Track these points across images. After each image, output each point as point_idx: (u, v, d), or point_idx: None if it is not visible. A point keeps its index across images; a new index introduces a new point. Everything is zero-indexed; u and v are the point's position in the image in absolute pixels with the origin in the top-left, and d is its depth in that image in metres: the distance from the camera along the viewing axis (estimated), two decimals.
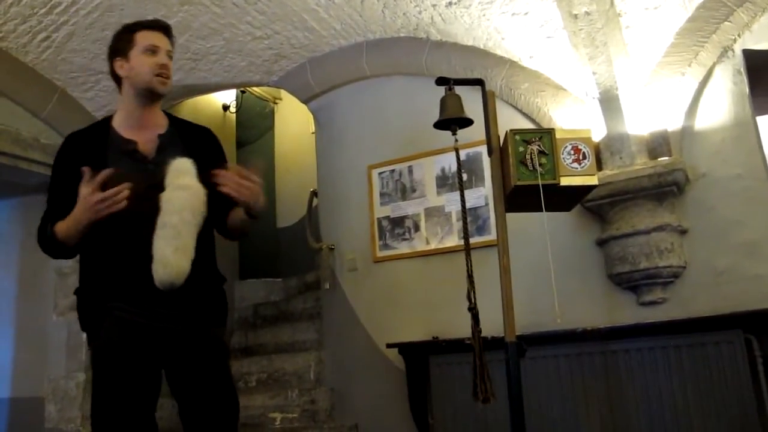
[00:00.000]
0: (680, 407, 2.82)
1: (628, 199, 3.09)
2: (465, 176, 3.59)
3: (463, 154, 3.36)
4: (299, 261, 5.54)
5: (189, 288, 1.88)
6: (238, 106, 6.17)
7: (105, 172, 1.76)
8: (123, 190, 1.76)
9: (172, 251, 1.83)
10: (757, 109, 3.25)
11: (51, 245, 1.95)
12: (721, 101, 3.16)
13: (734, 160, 3.09)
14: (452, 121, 2.35)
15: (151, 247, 1.81)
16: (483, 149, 3.26)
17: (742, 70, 3.13)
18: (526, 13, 3.22)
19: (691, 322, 2.88)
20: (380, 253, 3.86)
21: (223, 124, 5.97)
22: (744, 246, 3.00)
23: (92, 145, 1.96)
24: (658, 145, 3.14)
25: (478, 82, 2.32)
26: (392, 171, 3.94)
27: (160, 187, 1.86)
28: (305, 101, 4.38)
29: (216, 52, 3.95)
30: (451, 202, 3.70)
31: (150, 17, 2.22)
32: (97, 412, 1.89)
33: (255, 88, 6.13)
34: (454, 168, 3.08)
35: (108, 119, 2.04)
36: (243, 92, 6.16)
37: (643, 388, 2.90)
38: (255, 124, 6.45)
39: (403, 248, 3.81)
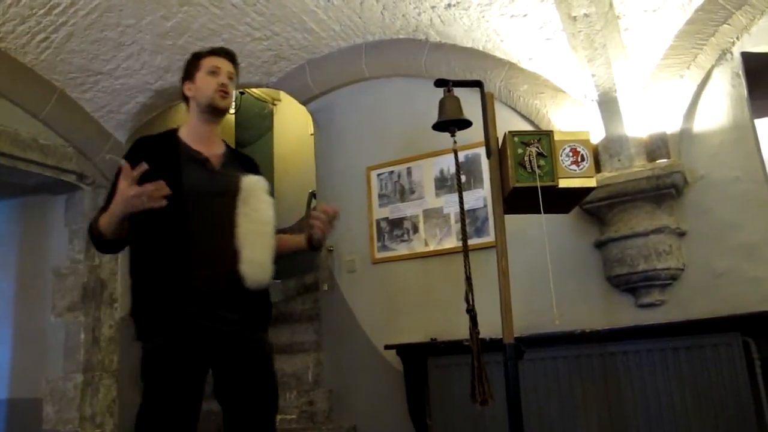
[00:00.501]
0: (678, 409, 2.82)
1: (626, 201, 3.09)
2: (464, 178, 3.59)
3: (461, 155, 3.36)
4: (298, 262, 5.53)
5: (254, 293, 2.06)
6: (237, 107, 6.17)
7: (142, 167, 1.86)
8: (161, 188, 1.86)
9: (267, 256, 2.08)
10: (755, 111, 3.25)
11: (91, 236, 2.06)
12: (720, 104, 3.16)
13: (732, 162, 3.09)
14: (451, 122, 2.35)
15: (225, 251, 2.00)
16: (482, 151, 3.26)
17: (740, 72, 3.14)
18: (525, 15, 3.22)
19: (690, 324, 2.89)
20: (379, 255, 3.86)
21: (222, 125, 5.97)
22: (742, 248, 3.00)
23: (164, 150, 2.13)
24: (656, 147, 3.14)
25: (477, 84, 2.31)
26: (391, 172, 3.94)
27: (226, 195, 2.08)
28: (304, 102, 4.38)
29: None
30: (449, 203, 3.70)
31: (215, 45, 2.41)
32: (148, 411, 1.96)
33: (254, 90, 6.13)
34: (453, 169, 3.09)
35: (174, 131, 2.23)
36: (242, 93, 6.17)
37: (642, 389, 2.90)
38: (254, 125, 6.45)
39: (402, 250, 3.81)
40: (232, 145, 6.17)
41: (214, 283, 2.00)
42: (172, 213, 1.95)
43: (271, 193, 2.21)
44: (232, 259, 2.01)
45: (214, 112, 2.19)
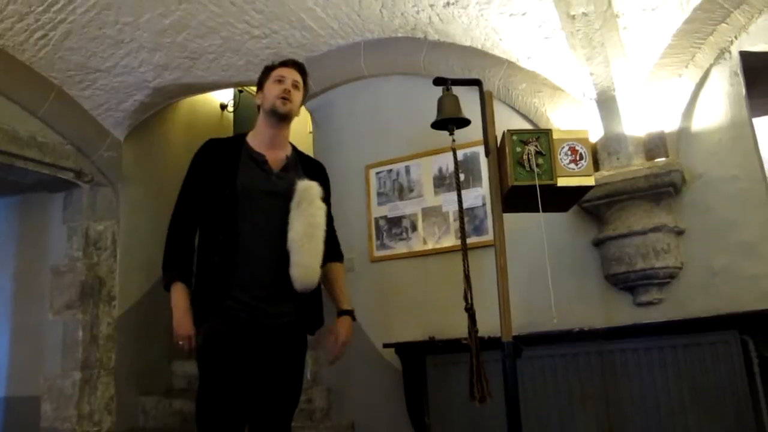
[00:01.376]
0: (676, 407, 2.83)
1: (624, 200, 3.09)
2: (462, 176, 3.59)
3: (460, 154, 3.35)
4: None
5: (301, 293, 2.20)
6: (236, 106, 6.16)
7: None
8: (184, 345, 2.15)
9: (315, 261, 2.18)
10: (753, 110, 3.26)
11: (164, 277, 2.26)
12: (718, 103, 3.16)
13: (731, 161, 3.10)
14: (450, 121, 2.35)
15: (273, 250, 2.15)
16: (480, 149, 3.27)
17: (738, 71, 3.14)
18: (524, 14, 3.22)
19: (688, 322, 2.89)
20: (377, 253, 3.86)
21: (221, 123, 5.96)
22: (740, 247, 3.01)
23: (228, 151, 2.30)
24: (654, 146, 3.15)
25: (476, 83, 2.31)
26: (390, 171, 3.94)
27: (279, 196, 2.20)
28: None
29: (214, 51, 3.94)
30: (448, 202, 3.70)
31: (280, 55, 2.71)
32: (201, 393, 2.13)
33: (253, 88, 6.11)
34: (452, 168, 3.09)
35: (244, 135, 2.40)
36: (240, 91, 6.15)
37: (640, 388, 2.91)
38: (253, 123, 6.43)
39: (401, 248, 3.81)
40: None
41: (258, 279, 2.15)
42: (226, 209, 2.17)
43: (325, 199, 2.30)
44: (280, 258, 2.14)
45: (276, 116, 2.31)
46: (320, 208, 2.24)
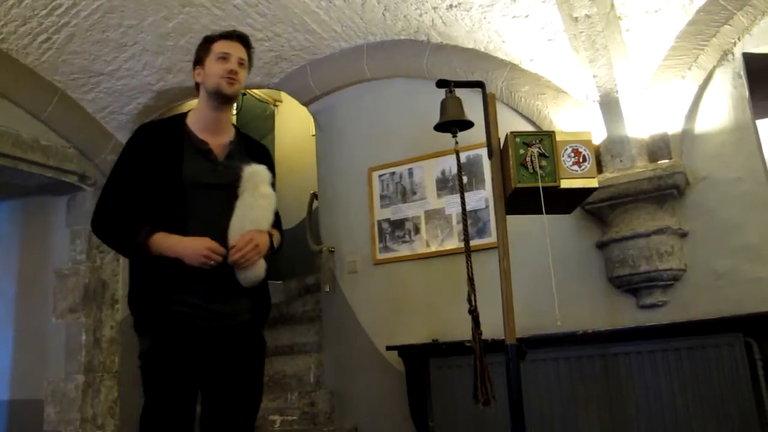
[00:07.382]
0: (680, 410, 2.82)
1: (628, 202, 3.09)
2: (465, 178, 3.59)
3: (463, 156, 3.37)
4: (299, 263, 5.53)
5: (249, 288, 2.05)
6: (239, 109, 6.16)
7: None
8: (219, 257, 1.94)
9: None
10: (756, 112, 3.26)
11: (130, 248, 2.02)
12: (721, 104, 3.16)
13: (734, 163, 3.09)
14: (453, 123, 2.35)
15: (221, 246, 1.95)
16: (483, 152, 3.25)
17: (742, 73, 3.14)
18: (527, 16, 3.23)
19: (691, 325, 2.88)
20: (380, 256, 3.86)
21: None
22: (744, 249, 3.00)
23: (168, 138, 2.09)
24: (658, 148, 3.14)
25: (479, 85, 2.31)
26: (392, 173, 3.94)
27: (227, 188, 2.03)
28: (306, 103, 4.38)
29: None
30: (451, 204, 3.70)
31: (228, 29, 2.30)
32: (147, 406, 2.00)
33: (255, 91, 6.13)
34: (455, 170, 3.09)
35: (182, 117, 2.17)
36: (243, 94, 6.16)
37: (643, 390, 2.90)
38: (255, 126, 6.44)
39: (404, 251, 3.80)
40: None
41: (208, 278, 1.97)
42: (171, 205, 1.99)
43: (273, 184, 2.13)
44: (226, 255, 1.98)
45: (222, 98, 2.11)
46: (265, 197, 2.06)
